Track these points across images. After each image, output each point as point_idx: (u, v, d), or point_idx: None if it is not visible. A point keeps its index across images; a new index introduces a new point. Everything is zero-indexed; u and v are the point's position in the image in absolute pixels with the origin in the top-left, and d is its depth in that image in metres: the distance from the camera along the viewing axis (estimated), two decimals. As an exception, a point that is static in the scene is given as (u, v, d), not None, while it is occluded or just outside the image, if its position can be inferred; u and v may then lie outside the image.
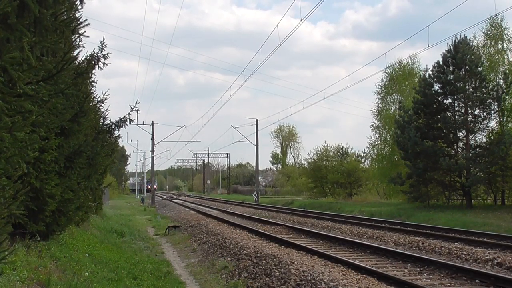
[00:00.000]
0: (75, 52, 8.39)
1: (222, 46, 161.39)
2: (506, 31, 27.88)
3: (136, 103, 14.52)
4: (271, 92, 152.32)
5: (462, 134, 26.29)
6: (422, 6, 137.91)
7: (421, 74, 30.08)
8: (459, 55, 25.16)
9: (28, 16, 3.06)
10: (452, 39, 26.11)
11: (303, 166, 54.20)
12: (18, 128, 3.09)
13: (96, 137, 12.22)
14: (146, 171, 75.96)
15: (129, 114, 14.46)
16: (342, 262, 9.96)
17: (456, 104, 26.33)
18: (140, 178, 72.30)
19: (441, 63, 26.32)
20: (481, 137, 26.82)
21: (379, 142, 37.50)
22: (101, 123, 13.77)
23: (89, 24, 3.56)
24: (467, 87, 25.39)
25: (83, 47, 9.51)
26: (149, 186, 72.60)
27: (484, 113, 25.91)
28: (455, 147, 26.81)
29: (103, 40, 11.25)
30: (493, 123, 26.65)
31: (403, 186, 28.62)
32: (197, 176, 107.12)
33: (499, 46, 27.99)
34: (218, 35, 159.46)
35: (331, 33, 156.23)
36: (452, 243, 12.96)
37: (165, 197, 64.40)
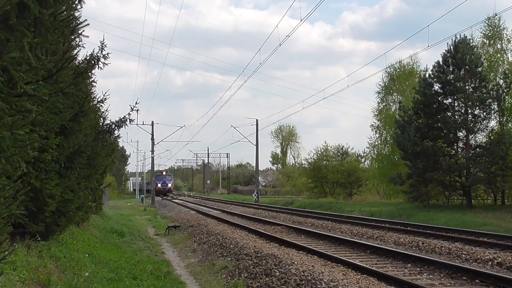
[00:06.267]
0: (75, 52, 8.38)
1: (220, 46, 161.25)
2: (505, 31, 27.93)
3: (136, 103, 14.51)
4: (270, 92, 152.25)
5: (462, 134, 26.30)
6: (418, 7, 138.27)
7: (421, 74, 30.08)
8: (459, 55, 25.17)
9: (28, 16, 3.06)
10: (452, 39, 26.16)
11: (303, 166, 54.20)
12: (18, 127, 3.09)
13: (96, 137, 12.22)
14: (146, 171, 75.80)
15: (129, 114, 14.45)
16: (342, 262, 9.96)
17: (456, 104, 26.33)
18: (140, 178, 72.06)
19: (441, 63, 26.32)
20: (481, 137, 26.89)
21: (379, 142, 37.51)
22: (101, 123, 13.77)
23: (88, 24, 3.57)
24: (467, 87, 25.39)
25: (83, 47, 9.51)
26: (158, 185, 64.30)
27: (484, 113, 25.92)
28: (455, 147, 26.82)
29: (103, 40, 11.23)
30: (493, 123, 26.71)
31: (403, 186, 28.62)
32: (197, 176, 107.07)
33: (498, 46, 28.01)
34: (216, 35, 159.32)
35: (329, 34, 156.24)
36: (452, 243, 12.96)
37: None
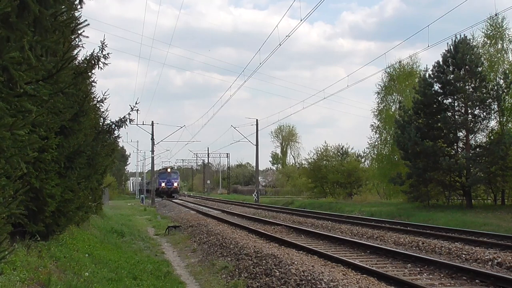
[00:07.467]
0: (75, 52, 8.39)
1: (219, 46, 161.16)
2: (507, 31, 27.91)
3: (136, 103, 14.48)
4: (270, 92, 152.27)
5: (462, 134, 26.30)
6: (418, 7, 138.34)
7: (421, 74, 30.09)
8: (459, 55, 25.17)
9: (28, 16, 3.06)
10: (452, 39, 26.16)
11: (303, 166, 54.19)
12: (18, 127, 3.08)
13: (96, 137, 12.22)
14: (146, 171, 75.75)
15: (129, 114, 14.43)
16: (342, 262, 9.96)
17: (456, 104, 26.34)
18: (140, 178, 71.96)
19: (441, 63, 26.32)
20: (481, 137, 26.91)
21: (379, 142, 37.53)
22: (101, 123, 13.76)
23: (88, 24, 3.57)
24: (467, 87, 25.39)
25: (83, 47, 9.52)
26: (162, 184, 59.26)
27: (484, 113, 25.92)
28: (455, 147, 26.82)
29: (104, 40, 11.22)
30: (493, 123, 26.73)
31: (403, 186, 28.62)
32: (197, 176, 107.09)
33: (499, 45, 28.00)
34: (216, 36, 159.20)
35: (328, 34, 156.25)
36: (452, 243, 12.96)
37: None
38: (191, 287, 8.91)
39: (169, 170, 63.08)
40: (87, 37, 3.97)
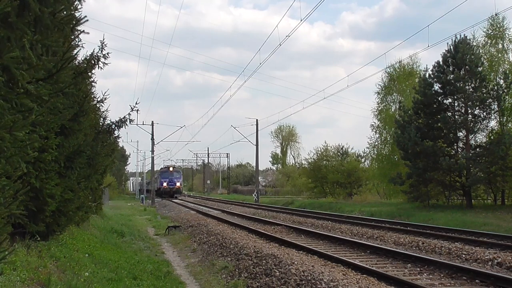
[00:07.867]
0: (75, 52, 8.38)
1: (219, 46, 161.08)
2: (507, 31, 27.89)
3: (136, 103, 14.46)
4: (270, 92, 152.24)
5: (462, 134, 26.31)
6: (418, 7, 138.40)
7: (421, 74, 30.09)
8: (459, 55, 25.17)
9: (28, 14, 3.05)
10: (452, 39, 26.16)
11: (303, 166, 54.18)
12: (18, 127, 3.08)
13: (96, 137, 12.22)
14: (146, 171, 75.72)
15: (129, 114, 14.41)
16: (342, 262, 9.96)
17: (456, 104, 26.34)
18: (140, 178, 71.94)
19: (441, 63, 26.32)
20: (481, 137, 26.91)
21: (379, 142, 37.52)
22: (101, 123, 13.77)
23: (87, 20, 3.56)
24: (467, 87, 25.39)
25: (82, 47, 9.52)
26: (164, 184, 57.42)
27: (484, 113, 25.93)
28: (455, 147, 26.82)
29: (103, 39, 11.21)
30: (493, 123, 26.74)
31: (403, 186, 28.62)
32: (197, 176, 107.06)
33: (500, 45, 27.99)
34: (216, 36, 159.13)
35: (328, 34, 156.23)
36: (452, 243, 12.96)
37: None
38: (191, 287, 8.90)
39: (171, 169, 60.53)
40: (88, 33, 3.96)
